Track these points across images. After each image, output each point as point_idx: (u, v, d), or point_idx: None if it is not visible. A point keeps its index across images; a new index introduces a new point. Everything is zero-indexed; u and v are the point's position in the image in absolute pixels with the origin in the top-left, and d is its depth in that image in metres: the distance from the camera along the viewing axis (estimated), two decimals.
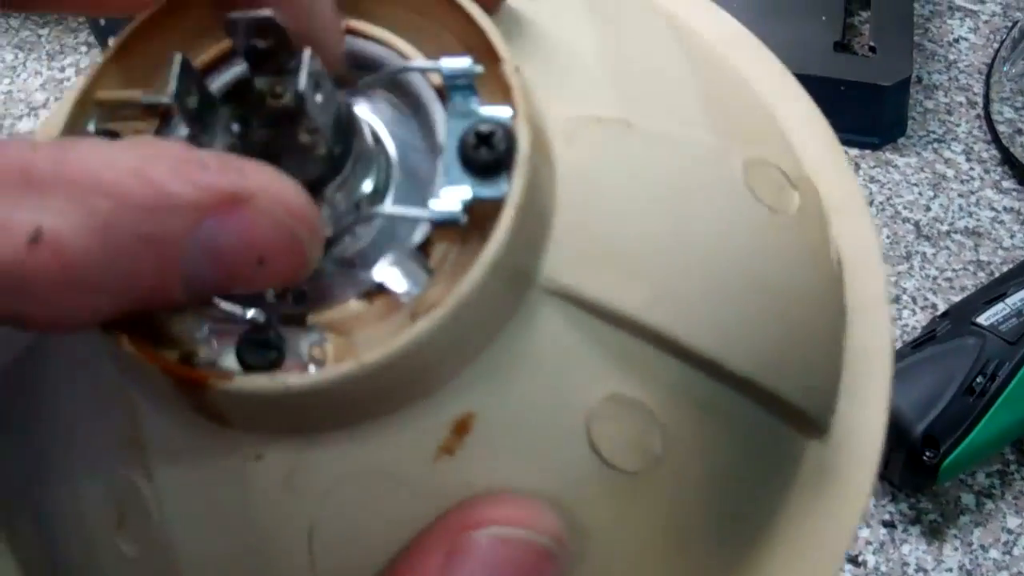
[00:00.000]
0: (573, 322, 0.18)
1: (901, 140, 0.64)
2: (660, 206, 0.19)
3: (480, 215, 0.17)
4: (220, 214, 0.15)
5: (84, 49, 0.72)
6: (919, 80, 0.66)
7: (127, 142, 0.16)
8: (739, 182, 0.20)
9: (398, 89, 0.19)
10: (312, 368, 0.17)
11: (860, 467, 0.21)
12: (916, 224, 0.60)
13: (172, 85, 0.16)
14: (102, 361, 0.19)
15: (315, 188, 0.17)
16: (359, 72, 0.19)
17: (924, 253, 0.59)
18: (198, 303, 0.17)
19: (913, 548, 0.51)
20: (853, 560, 0.51)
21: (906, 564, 0.50)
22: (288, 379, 0.16)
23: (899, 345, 0.54)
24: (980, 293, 0.55)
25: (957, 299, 0.56)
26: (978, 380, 0.49)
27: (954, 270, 0.59)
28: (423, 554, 0.17)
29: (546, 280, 0.18)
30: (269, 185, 0.16)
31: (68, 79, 0.72)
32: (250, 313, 0.18)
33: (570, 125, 0.19)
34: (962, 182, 0.62)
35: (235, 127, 0.18)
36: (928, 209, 0.61)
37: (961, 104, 0.65)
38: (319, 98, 0.17)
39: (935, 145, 0.64)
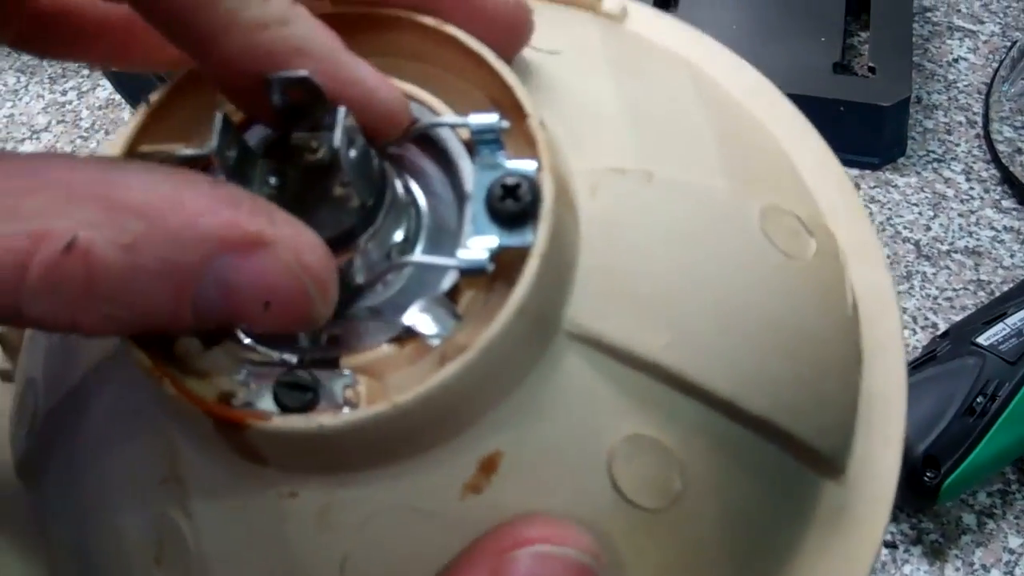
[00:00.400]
0: (595, 365, 0.19)
1: (901, 160, 0.64)
2: (679, 253, 0.20)
3: (506, 263, 0.18)
4: (239, 252, 0.16)
5: (86, 73, 0.73)
6: (919, 100, 0.66)
7: (169, 171, 0.16)
8: (755, 229, 0.21)
9: (428, 142, 0.20)
10: (346, 409, 0.18)
11: (876, 506, 0.22)
12: (916, 244, 0.61)
13: (215, 140, 0.17)
14: (143, 403, 0.19)
15: (349, 238, 0.18)
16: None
17: (924, 273, 0.60)
18: (205, 329, 0.17)
19: (915, 568, 0.51)
20: None
21: None
22: (323, 420, 0.17)
23: None
24: (980, 313, 0.55)
25: (957, 319, 0.56)
26: (978, 400, 0.49)
27: (954, 290, 0.59)
28: None
29: (570, 324, 0.19)
30: (292, 236, 0.16)
31: (70, 103, 0.72)
32: (285, 356, 0.18)
33: (594, 177, 0.20)
34: (962, 201, 0.62)
35: (272, 179, 0.18)
36: (928, 229, 0.61)
37: (961, 124, 0.66)
38: (352, 153, 0.18)
39: (935, 165, 0.64)
